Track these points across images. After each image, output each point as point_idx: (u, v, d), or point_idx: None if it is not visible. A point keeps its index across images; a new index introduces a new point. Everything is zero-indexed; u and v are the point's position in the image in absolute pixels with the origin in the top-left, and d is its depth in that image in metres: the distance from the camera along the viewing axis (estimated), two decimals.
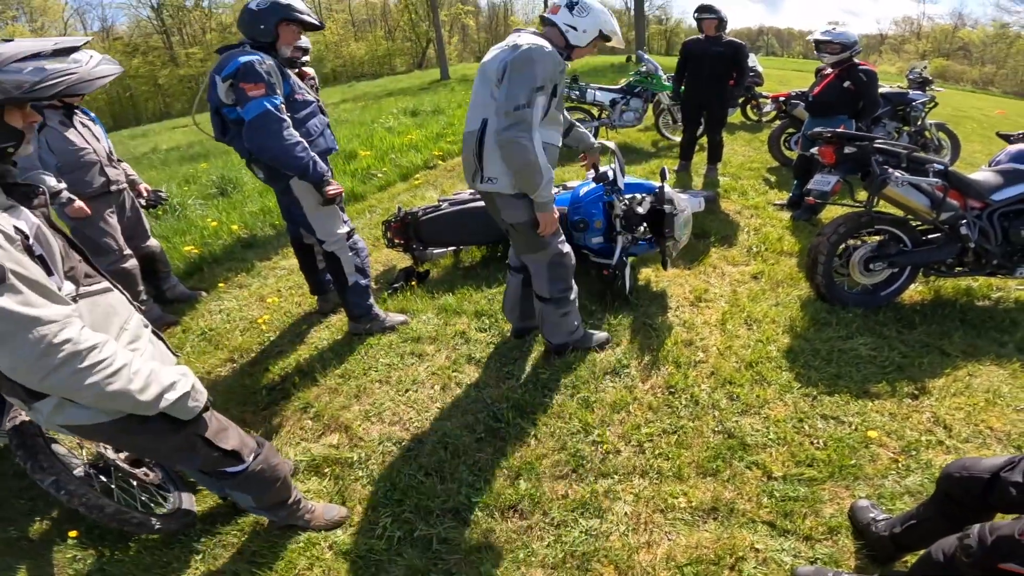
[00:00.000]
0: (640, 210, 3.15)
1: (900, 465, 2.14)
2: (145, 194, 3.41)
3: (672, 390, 2.54)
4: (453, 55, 28.61)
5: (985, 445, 2.25)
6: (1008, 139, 3.23)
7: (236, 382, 2.84)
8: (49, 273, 1.20)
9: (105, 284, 1.40)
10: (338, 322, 3.21)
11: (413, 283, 3.48)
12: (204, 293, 3.72)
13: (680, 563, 1.75)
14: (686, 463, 2.14)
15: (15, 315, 1.07)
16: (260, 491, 1.71)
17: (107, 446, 1.89)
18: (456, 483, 2.08)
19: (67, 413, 1.31)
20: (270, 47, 2.45)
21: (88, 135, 2.98)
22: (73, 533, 1.95)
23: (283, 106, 2.39)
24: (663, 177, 3.14)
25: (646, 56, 7.14)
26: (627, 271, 3.15)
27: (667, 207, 3.01)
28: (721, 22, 4.87)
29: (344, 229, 2.79)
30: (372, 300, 2.99)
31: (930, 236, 3.12)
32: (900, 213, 3.10)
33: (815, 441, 2.26)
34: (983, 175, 3.00)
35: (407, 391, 2.61)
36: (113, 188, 3.07)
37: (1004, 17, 41.78)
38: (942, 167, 2.91)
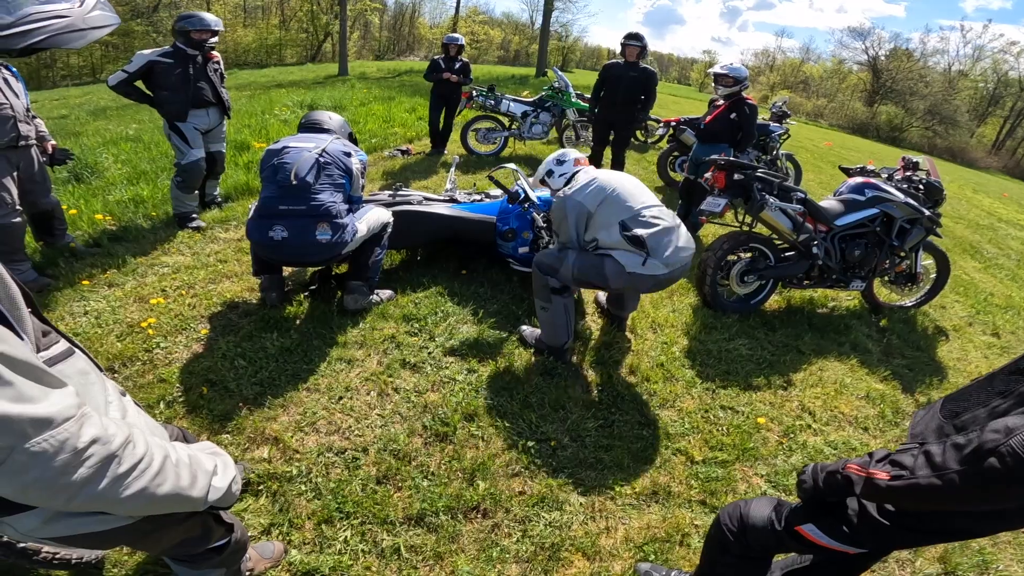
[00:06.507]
0: None
1: (784, 446, 2.57)
2: (51, 151, 3.40)
3: (600, 387, 2.75)
4: (352, 51, 26.89)
5: (840, 427, 2.78)
6: (848, 173, 3.99)
7: None
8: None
9: (65, 344, 0.98)
10: (248, 325, 2.93)
11: (332, 285, 3.29)
12: (51, 280, 3.18)
13: (638, 543, 1.92)
14: (623, 453, 2.34)
15: (11, 420, 0.69)
16: (236, 560, 1.46)
17: None
18: (412, 489, 2.04)
19: (71, 522, 0.96)
20: None
21: (7, 91, 2.96)
22: None
23: None
24: None
25: (560, 72, 7.43)
26: None
27: None
28: (643, 50, 5.25)
29: None
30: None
31: (787, 253, 3.74)
32: (767, 233, 3.68)
33: (720, 428, 2.61)
34: (829, 203, 3.67)
35: (340, 398, 2.48)
36: (22, 143, 3.06)
37: (842, 53, 45.77)
38: (802, 195, 3.52)
